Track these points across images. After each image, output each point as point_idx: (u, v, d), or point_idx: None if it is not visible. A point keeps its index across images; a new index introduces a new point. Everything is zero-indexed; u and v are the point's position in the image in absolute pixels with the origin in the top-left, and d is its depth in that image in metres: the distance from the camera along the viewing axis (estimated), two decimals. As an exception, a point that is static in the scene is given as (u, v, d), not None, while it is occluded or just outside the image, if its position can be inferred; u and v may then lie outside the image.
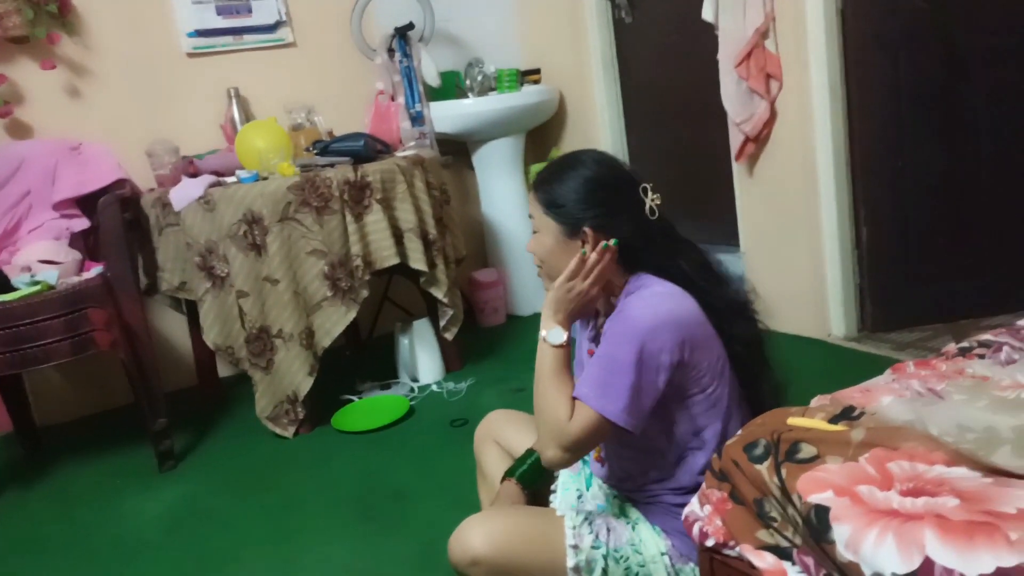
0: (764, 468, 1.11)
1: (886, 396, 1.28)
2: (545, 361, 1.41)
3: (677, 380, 1.38)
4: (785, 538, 1.08)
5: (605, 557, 1.41)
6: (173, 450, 2.60)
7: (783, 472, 1.09)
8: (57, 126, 2.97)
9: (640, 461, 1.48)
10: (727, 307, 1.45)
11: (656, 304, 1.37)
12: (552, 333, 1.41)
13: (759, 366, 1.48)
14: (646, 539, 1.44)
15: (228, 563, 2.02)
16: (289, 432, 2.68)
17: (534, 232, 1.48)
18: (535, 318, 3.76)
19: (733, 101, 2.79)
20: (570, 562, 1.39)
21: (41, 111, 2.99)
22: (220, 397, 3.13)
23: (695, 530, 1.21)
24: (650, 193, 1.43)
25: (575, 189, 1.42)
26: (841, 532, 0.99)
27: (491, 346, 3.34)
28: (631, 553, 1.43)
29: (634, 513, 1.48)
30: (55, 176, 2.74)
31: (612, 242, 1.39)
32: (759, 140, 2.83)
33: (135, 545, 2.17)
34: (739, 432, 1.23)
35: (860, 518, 0.99)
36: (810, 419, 1.20)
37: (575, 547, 1.40)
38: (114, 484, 2.53)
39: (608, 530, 1.44)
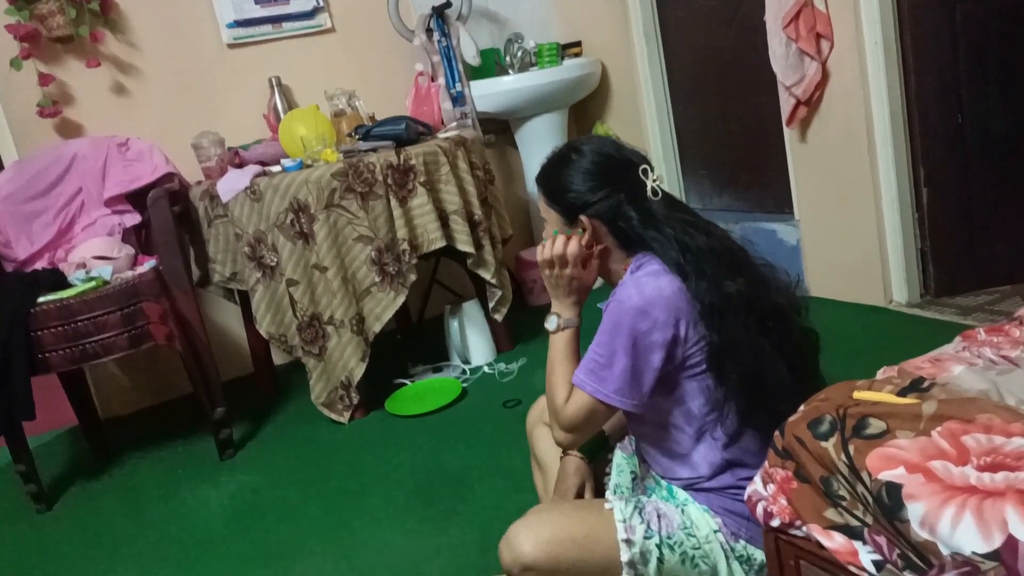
0: (831, 445, 1.07)
1: (957, 365, 1.22)
2: (551, 346, 1.49)
3: (678, 355, 1.38)
4: (855, 517, 1.03)
5: (659, 546, 1.39)
6: (232, 439, 2.64)
7: (851, 448, 1.04)
8: (105, 123, 3.01)
9: (660, 438, 1.46)
10: (716, 301, 1.35)
11: (643, 284, 1.37)
12: (548, 320, 1.50)
13: (740, 377, 1.36)
14: (696, 520, 1.42)
15: (291, 552, 2.04)
16: (344, 418, 2.70)
17: (545, 221, 1.51)
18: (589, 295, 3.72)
19: (782, 64, 2.70)
20: (624, 557, 1.37)
21: (88, 109, 3.03)
22: (276, 384, 3.17)
23: (759, 510, 1.17)
24: (650, 174, 1.44)
25: (570, 179, 1.45)
26: (915, 510, 0.94)
27: (541, 325, 3.31)
28: (684, 537, 1.41)
29: (681, 494, 1.45)
30: (105, 173, 2.78)
31: (578, 231, 1.44)
32: (811, 103, 2.74)
33: (200, 536, 2.20)
34: (801, 408, 1.18)
35: (935, 495, 0.94)
36: (877, 392, 1.15)
37: (627, 541, 1.38)
38: (177, 475, 2.58)
39: (659, 516, 1.42)
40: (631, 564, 1.37)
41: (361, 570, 1.91)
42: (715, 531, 1.41)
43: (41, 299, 2.37)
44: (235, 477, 2.49)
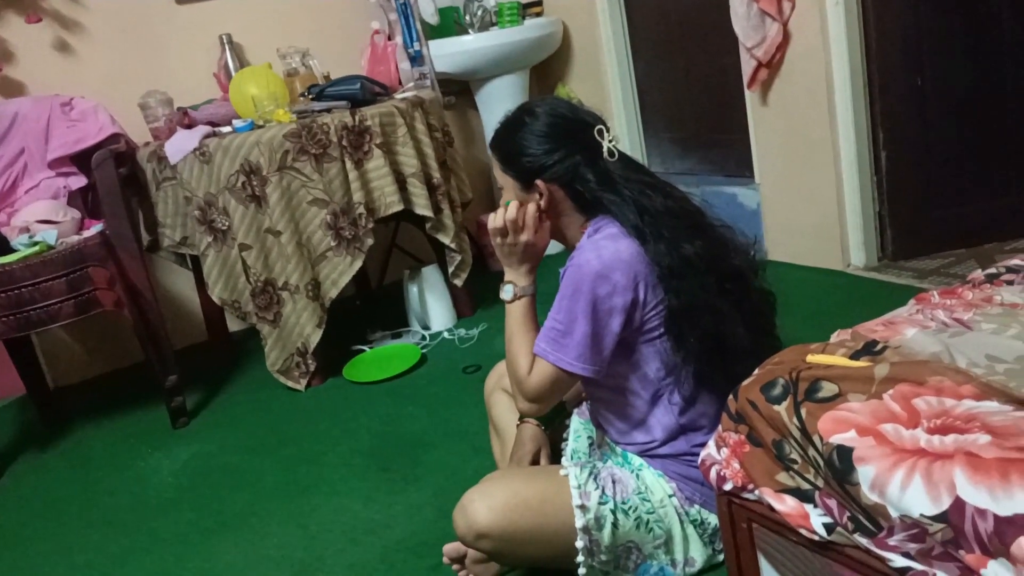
0: (783, 408, 1.06)
1: (910, 328, 1.22)
2: (508, 316, 1.47)
3: (636, 319, 1.37)
4: (806, 480, 1.03)
5: (613, 511, 1.39)
6: (185, 407, 2.59)
7: (803, 412, 1.04)
8: (47, 82, 2.90)
9: (616, 403, 1.46)
10: (674, 264, 1.34)
11: (601, 247, 1.35)
12: (503, 290, 1.48)
13: (699, 339, 1.36)
14: (651, 484, 1.42)
15: (246, 518, 2.01)
16: (301, 385, 2.66)
17: (500, 188, 1.49)
18: (545, 260, 3.70)
19: (744, 25, 2.66)
20: (578, 523, 1.37)
21: (30, 67, 2.91)
22: (230, 352, 3.11)
23: (712, 474, 1.17)
24: (606, 134, 1.42)
25: (525, 143, 1.42)
26: (865, 473, 0.94)
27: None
28: (639, 502, 1.41)
29: (636, 460, 1.45)
30: (48, 134, 2.68)
31: (534, 196, 1.42)
32: (772, 65, 2.71)
33: (153, 504, 2.16)
34: (755, 371, 1.18)
35: (885, 458, 0.94)
36: (830, 355, 1.14)
37: (582, 507, 1.37)
38: (129, 443, 2.53)
39: (614, 482, 1.41)
40: (586, 529, 1.37)
41: (318, 536, 1.88)
42: (669, 496, 1.41)
43: (-19, 264, 2.29)
44: (188, 445, 2.44)
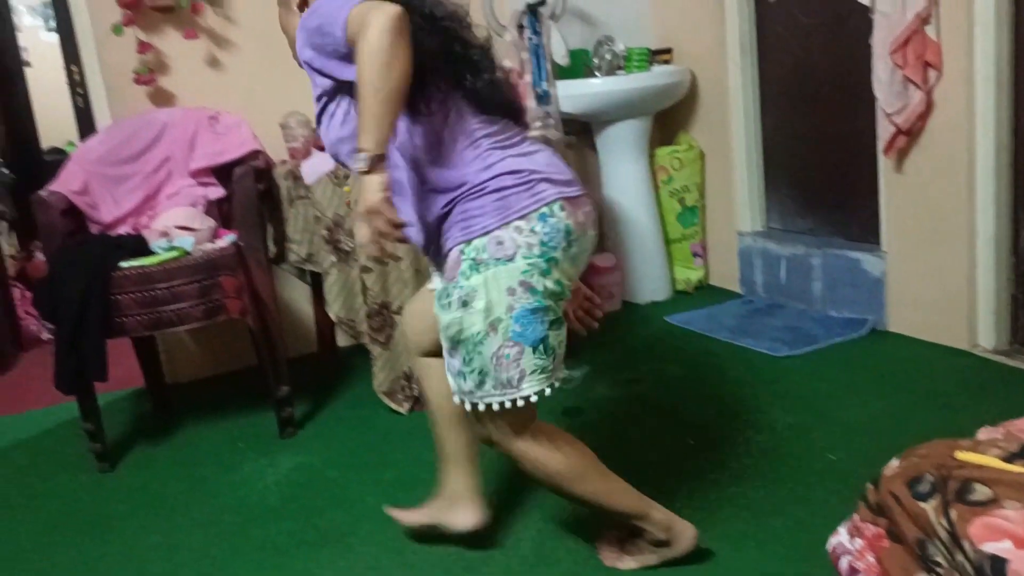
0: (930, 507, 1.02)
1: (1069, 435, 1.15)
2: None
3: None
4: (951, 586, 0.98)
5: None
6: (294, 417, 2.66)
7: (952, 513, 0.99)
8: (196, 95, 3.06)
9: (432, 152, 1.59)
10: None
11: None
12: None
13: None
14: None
15: (343, 536, 2.05)
16: (404, 408, 2.70)
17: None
18: (652, 306, 3.67)
19: (886, 90, 2.60)
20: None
21: (182, 80, 3.08)
22: (337, 366, 3.19)
23: (843, 564, 1.13)
24: None
25: None
26: (1021, 589, 0.89)
27: (605, 333, 3.26)
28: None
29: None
30: (193, 144, 2.82)
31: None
32: (911, 133, 2.64)
33: (255, 510, 2.22)
34: (898, 462, 1.13)
35: (1046, 577, 0.89)
36: (982, 455, 1.09)
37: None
38: (235, 447, 2.61)
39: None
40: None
41: (413, 564, 1.90)
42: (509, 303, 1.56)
43: (123, 264, 2.42)
44: (293, 456, 2.51)
